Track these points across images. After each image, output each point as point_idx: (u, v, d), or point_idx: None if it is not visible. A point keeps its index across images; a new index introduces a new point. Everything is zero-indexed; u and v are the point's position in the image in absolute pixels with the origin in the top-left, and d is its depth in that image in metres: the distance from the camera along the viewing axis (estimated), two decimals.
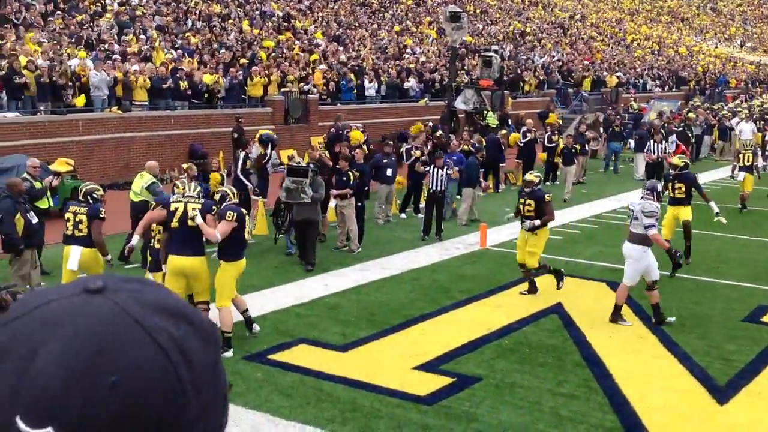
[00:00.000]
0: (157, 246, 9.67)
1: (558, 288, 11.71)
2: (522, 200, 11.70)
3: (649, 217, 10.26)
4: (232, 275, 9.58)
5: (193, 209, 9.21)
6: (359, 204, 14.42)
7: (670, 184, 13.74)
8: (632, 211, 10.52)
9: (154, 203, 10.96)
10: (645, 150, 21.28)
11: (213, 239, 9.27)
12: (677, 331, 10.32)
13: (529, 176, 12.10)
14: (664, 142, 21.42)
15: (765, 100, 42.52)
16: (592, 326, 10.39)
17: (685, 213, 13.71)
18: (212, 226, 9.23)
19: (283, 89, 24.30)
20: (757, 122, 30.23)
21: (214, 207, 9.47)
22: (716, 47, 70.00)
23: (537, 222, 11.44)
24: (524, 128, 23.31)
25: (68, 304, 0.80)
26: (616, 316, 10.57)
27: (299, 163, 13.51)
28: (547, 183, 22.70)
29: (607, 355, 9.43)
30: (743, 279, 13.02)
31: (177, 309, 0.83)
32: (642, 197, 10.81)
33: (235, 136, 21.20)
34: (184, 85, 21.84)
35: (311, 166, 13.20)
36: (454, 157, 16.81)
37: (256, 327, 9.75)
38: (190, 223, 9.19)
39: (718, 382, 8.72)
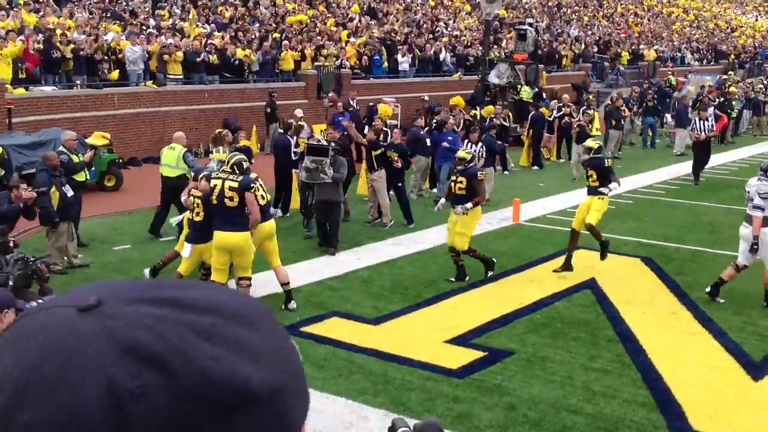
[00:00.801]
0: (197, 218, 9.75)
1: (486, 276, 11.20)
2: (454, 177, 11.22)
3: (765, 199, 9.90)
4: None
5: (230, 188, 9.17)
6: (399, 184, 14.26)
7: (585, 170, 11.84)
8: (748, 192, 10.12)
9: (191, 174, 11.06)
10: (690, 128, 20.68)
11: (254, 217, 9.25)
12: (712, 308, 10.21)
13: (461, 153, 11.40)
14: (710, 118, 20.59)
15: None
16: (626, 302, 10.32)
17: (597, 206, 11.38)
18: (251, 203, 9.22)
19: (316, 63, 24.27)
20: None
21: (252, 185, 9.28)
22: (756, 20, 68.46)
23: (469, 205, 10.90)
24: (559, 103, 23.00)
25: (46, 319, 0.73)
26: None
27: (319, 141, 13.01)
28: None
29: (641, 330, 9.36)
30: None
31: (158, 354, 0.69)
32: (758, 178, 10.19)
33: (268, 110, 21.27)
34: (213, 58, 21.84)
35: (332, 144, 12.66)
36: (449, 137, 16.45)
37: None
38: (227, 202, 9.18)
39: (753, 358, 8.63)
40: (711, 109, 24.21)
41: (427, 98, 23.11)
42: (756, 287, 11.05)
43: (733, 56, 48.12)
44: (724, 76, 35.48)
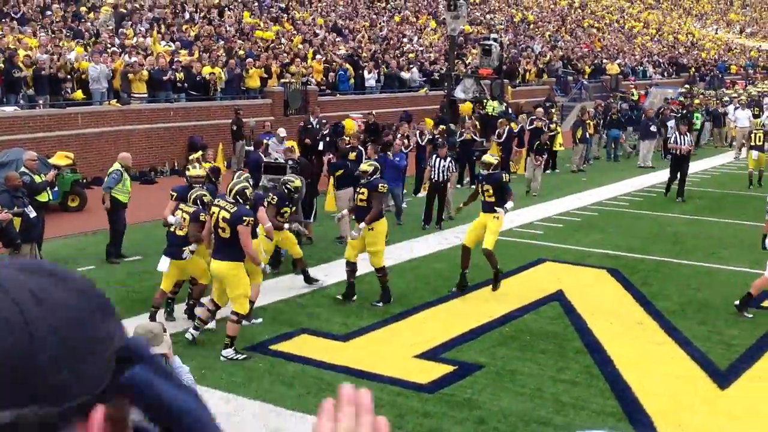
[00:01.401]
0: (180, 233, 9.69)
1: (376, 303, 10.82)
2: (358, 189, 10.99)
3: None
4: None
5: (223, 218, 8.83)
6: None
7: (480, 185, 11.44)
8: None
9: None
10: (673, 141, 19.41)
11: (249, 254, 8.92)
12: (678, 317, 10.32)
13: (363, 166, 11.11)
14: (689, 133, 19.44)
15: (765, 87, 42.24)
16: (593, 313, 10.40)
17: (492, 228, 11.15)
18: (244, 240, 8.84)
19: (282, 80, 24.25)
20: (753, 108, 29.97)
21: (245, 218, 8.83)
22: (716, 33, 69.78)
23: (362, 225, 10.58)
24: (532, 116, 23.11)
25: None
26: (743, 307, 10.40)
27: (277, 159, 12.81)
28: (547, 171, 22.63)
29: (608, 341, 9.43)
30: (744, 264, 13.01)
31: (45, 269, 0.84)
32: None
33: (234, 128, 21.19)
34: (180, 76, 21.75)
35: (290, 162, 12.49)
36: (396, 158, 15.86)
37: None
38: (220, 232, 8.89)
39: (719, 367, 8.73)
40: (672, 122, 24.67)
41: (374, 114, 22.51)
42: (720, 297, 11.21)
43: (693, 69, 48.94)
44: (682, 90, 36.09)
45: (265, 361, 8.72)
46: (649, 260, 13.24)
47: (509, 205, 11.25)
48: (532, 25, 46.20)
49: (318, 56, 27.10)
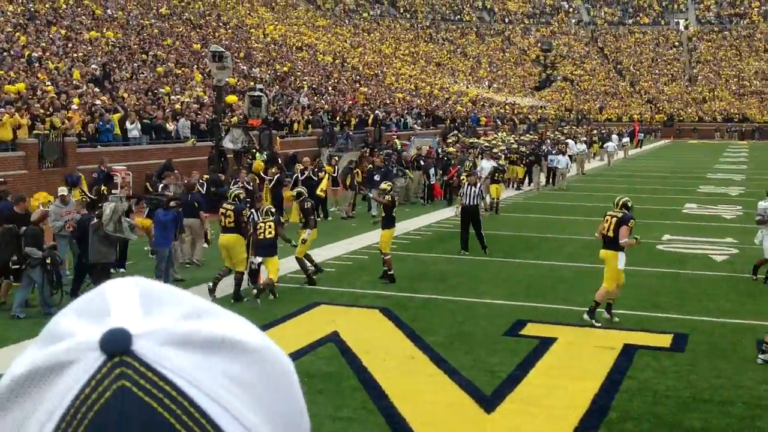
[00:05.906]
0: (269, 236, 13.30)
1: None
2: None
3: None
4: None
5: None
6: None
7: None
8: None
9: None
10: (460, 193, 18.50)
11: None
12: (446, 349, 10.83)
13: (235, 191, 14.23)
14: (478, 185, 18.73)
15: (503, 137, 45.28)
16: (368, 351, 10.64)
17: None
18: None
19: (35, 131, 22.81)
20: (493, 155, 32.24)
21: None
22: (468, 88, 75.24)
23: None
24: (301, 166, 23.43)
25: None
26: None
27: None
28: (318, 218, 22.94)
29: (383, 377, 9.68)
30: (501, 297, 13.95)
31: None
32: None
33: None
34: None
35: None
36: (162, 213, 14.57)
37: None
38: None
39: (484, 393, 9.25)
40: (432, 169, 26.18)
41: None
42: (481, 328, 11.93)
43: (449, 120, 52.31)
44: (449, 139, 38.49)
45: None
46: (417, 298, 13.82)
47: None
48: (297, 79, 47.21)
49: (74, 107, 25.84)
